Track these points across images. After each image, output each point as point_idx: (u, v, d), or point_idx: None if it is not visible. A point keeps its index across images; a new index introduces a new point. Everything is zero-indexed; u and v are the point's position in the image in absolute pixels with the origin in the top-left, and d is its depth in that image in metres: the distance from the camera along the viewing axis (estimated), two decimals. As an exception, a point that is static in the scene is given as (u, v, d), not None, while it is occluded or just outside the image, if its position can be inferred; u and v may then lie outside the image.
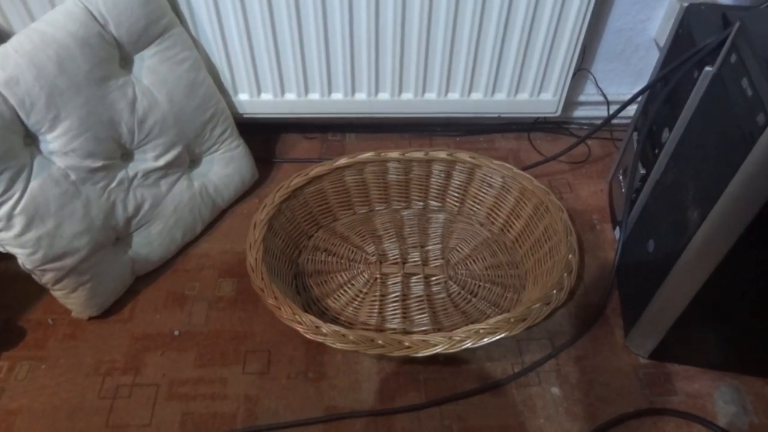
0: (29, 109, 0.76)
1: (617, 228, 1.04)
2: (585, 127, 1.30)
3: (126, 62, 0.89)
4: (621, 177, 1.06)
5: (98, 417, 0.82)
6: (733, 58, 0.69)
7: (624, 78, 1.22)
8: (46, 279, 0.84)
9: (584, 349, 0.91)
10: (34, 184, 0.78)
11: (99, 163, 0.86)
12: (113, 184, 0.89)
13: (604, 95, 1.23)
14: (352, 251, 1.03)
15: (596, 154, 1.24)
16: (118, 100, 0.86)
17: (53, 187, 0.81)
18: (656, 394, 0.85)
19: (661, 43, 1.11)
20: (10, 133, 0.75)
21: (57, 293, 0.88)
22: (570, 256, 0.88)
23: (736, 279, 0.72)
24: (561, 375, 0.87)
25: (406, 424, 0.82)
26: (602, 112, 1.27)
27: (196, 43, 1.01)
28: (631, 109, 1.06)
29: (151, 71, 0.91)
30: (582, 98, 1.25)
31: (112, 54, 0.86)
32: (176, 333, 0.92)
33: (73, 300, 0.88)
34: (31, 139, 0.80)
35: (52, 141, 0.80)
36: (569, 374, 0.88)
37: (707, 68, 0.76)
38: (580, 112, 1.28)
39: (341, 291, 0.96)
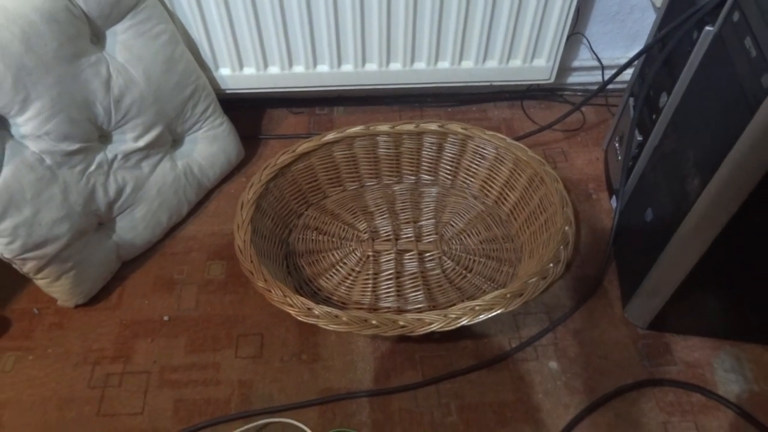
0: (-4, 92, 0.72)
1: (614, 197, 1.02)
2: (579, 93, 1.27)
3: (98, 38, 0.85)
4: (617, 144, 1.03)
5: (89, 407, 0.80)
6: (736, 16, 0.66)
7: (618, 41, 1.18)
8: (27, 268, 0.82)
9: (582, 321, 0.89)
10: (6, 170, 0.75)
11: (75, 146, 0.82)
12: (92, 168, 0.85)
13: (599, 60, 1.19)
14: (344, 229, 1.00)
15: (591, 121, 1.21)
16: (91, 79, 0.82)
17: (28, 172, 0.77)
18: (655, 365, 0.84)
19: (658, 3, 1.07)
20: (-23, 117, 0.72)
21: (40, 282, 0.85)
22: (566, 227, 0.86)
23: (736, 247, 0.70)
24: (559, 349, 0.86)
25: (404, 404, 0.80)
26: (596, 77, 1.23)
27: (172, 16, 0.97)
28: (627, 74, 1.02)
29: (126, 47, 0.87)
30: (576, 63, 1.21)
31: (82, 29, 0.81)
32: (166, 318, 0.90)
33: (58, 288, 0.86)
34: (0, 123, 0.76)
35: (24, 124, 0.76)
36: (567, 348, 0.86)
37: (707, 28, 0.73)
38: (573, 78, 1.25)
39: (333, 270, 0.94)
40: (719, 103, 0.67)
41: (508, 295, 0.77)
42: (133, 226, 0.93)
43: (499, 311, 0.76)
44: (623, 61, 1.19)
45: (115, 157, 0.89)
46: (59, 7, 0.77)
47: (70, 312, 0.90)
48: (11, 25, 0.73)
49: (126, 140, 0.89)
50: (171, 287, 0.94)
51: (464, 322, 0.76)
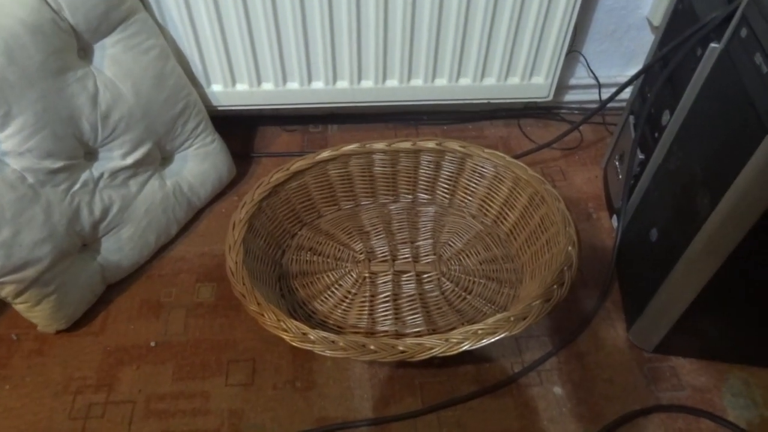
0: (-24, 106, 0.69)
1: (615, 216, 1.00)
2: (576, 111, 1.26)
3: (85, 52, 0.82)
4: (617, 163, 1.02)
5: (69, 440, 0.75)
6: (744, 32, 0.65)
7: (615, 59, 1.18)
8: (5, 292, 0.77)
9: (586, 345, 0.87)
10: (-15, 188, 0.71)
11: (59, 164, 0.78)
12: (77, 186, 0.82)
13: (596, 78, 1.19)
14: (339, 249, 0.97)
15: (589, 140, 1.20)
16: (77, 94, 0.79)
17: (8, 191, 0.73)
18: (662, 390, 0.82)
19: (655, 22, 1.07)
20: (-45, 133, 0.68)
21: (19, 307, 0.81)
22: (569, 248, 0.83)
23: (749, 268, 0.68)
24: (563, 373, 0.83)
25: (403, 433, 0.77)
26: (593, 95, 1.22)
27: (163, 30, 0.94)
28: (626, 92, 1.01)
29: (114, 61, 0.84)
30: (573, 81, 1.21)
31: (69, 43, 0.78)
32: (152, 344, 0.86)
33: (38, 313, 0.82)
34: (-20, 140, 0.73)
35: (5, 140, 0.73)
36: (571, 372, 0.83)
37: (713, 44, 0.71)
38: (570, 96, 1.24)
39: (329, 292, 0.91)
40: (728, 120, 0.65)
41: (512, 319, 0.74)
42: (120, 247, 0.89)
43: (502, 335, 0.73)
44: (620, 79, 1.19)
45: (102, 175, 0.85)
46: (45, 19, 0.74)
47: (51, 338, 0.86)
48: (-6, 37, 0.70)
49: (113, 158, 0.86)
50: (158, 311, 0.90)
51: (466, 346, 0.73)
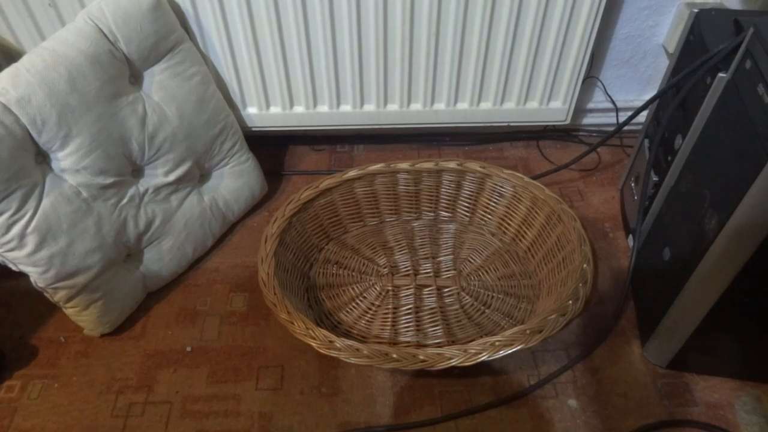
0: (41, 128, 0.77)
1: (630, 236, 1.03)
2: (594, 134, 1.30)
3: (136, 78, 0.89)
4: (633, 184, 1.05)
5: (112, 436, 0.81)
6: (748, 64, 0.69)
7: (633, 84, 1.21)
8: (58, 297, 0.84)
9: (601, 359, 0.89)
10: (46, 202, 0.78)
11: (110, 180, 0.85)
12: (124, 201, 0.89)
13: (613, 102, 1.23)
14: (364, 263, 1.02)
15: (606, 161, 1.23)
16: (128, 117, 0.86)
17: (65, 204, 0.81)
18: (676, 405, 0.84)
19: (670, 49, 1.11)
20: (21, 151, 0.76)
21: (69, 311, 0.87)
22: (584, 265, 0.87)
23: (756, 286, 0.71)
24: (578, 387, 0.86)
25: (423, 439, 0.81)
26: (611, 119, 1.26)
27: (205, 58, 1.02)
28: (642, 116, 1.05)
29: (161, 87, 0.91)
30: (591, 105, 1.24)
31: (122, 71, 0.86)
32: (188, 349, 0.91)
33: (85, 317, 0.88)
34: (42, 157, 0.80)
35: (64, 159, 0.80)
36: (586, 386, 0.86)
37: (721, 74, 0.75)
38: (589, 120, 1.28)
39: (353, 304, 0.96)
40: (734, 145, 0.69)
41: (528, 332, 0.78)
42: (160, 258, 0.96)
43: (519, 347, 0.77)
44: (637, 103, 1.22)
45: (147, 190, 0.92)
46: (103, 50, 0.82)
47: (96, 341, 0.92)
48: (59, 66, 0.77)
49: (157, 175, 0.93)
50: (194, 318, 0.95)
51: (484, 357, 0.77)
